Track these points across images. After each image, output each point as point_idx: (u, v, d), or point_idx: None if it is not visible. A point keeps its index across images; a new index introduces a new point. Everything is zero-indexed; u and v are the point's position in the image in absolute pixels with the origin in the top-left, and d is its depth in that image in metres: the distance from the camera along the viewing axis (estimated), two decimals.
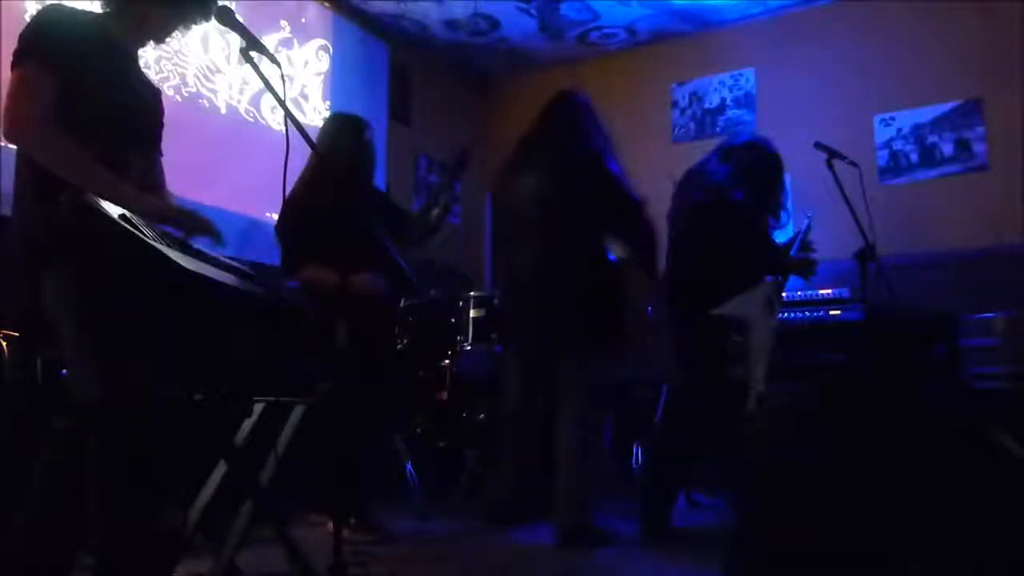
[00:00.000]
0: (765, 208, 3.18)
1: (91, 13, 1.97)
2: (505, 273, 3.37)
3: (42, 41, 1.82)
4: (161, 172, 2.14)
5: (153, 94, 2.09)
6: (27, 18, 3.55)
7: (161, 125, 2.09)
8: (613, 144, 3.21)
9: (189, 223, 1.96)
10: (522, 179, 3.16)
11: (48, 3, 1.96)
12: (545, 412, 3.19)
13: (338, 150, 3.07)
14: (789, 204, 3.32)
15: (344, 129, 3.18)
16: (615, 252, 3.15)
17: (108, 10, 1.97)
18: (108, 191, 1.73)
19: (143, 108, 2.02)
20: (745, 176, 3.09)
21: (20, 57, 1.82)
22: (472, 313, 4.39)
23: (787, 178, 3.29)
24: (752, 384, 2.98)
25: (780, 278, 3.36)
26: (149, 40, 2.03)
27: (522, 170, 3.18)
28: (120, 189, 1.78)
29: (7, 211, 1.93)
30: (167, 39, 2.04)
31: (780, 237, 3.35)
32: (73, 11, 1.93)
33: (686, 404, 3.17)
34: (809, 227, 3.61)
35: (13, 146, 1.88)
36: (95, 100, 1.84)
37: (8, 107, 1.78)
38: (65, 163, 1.76)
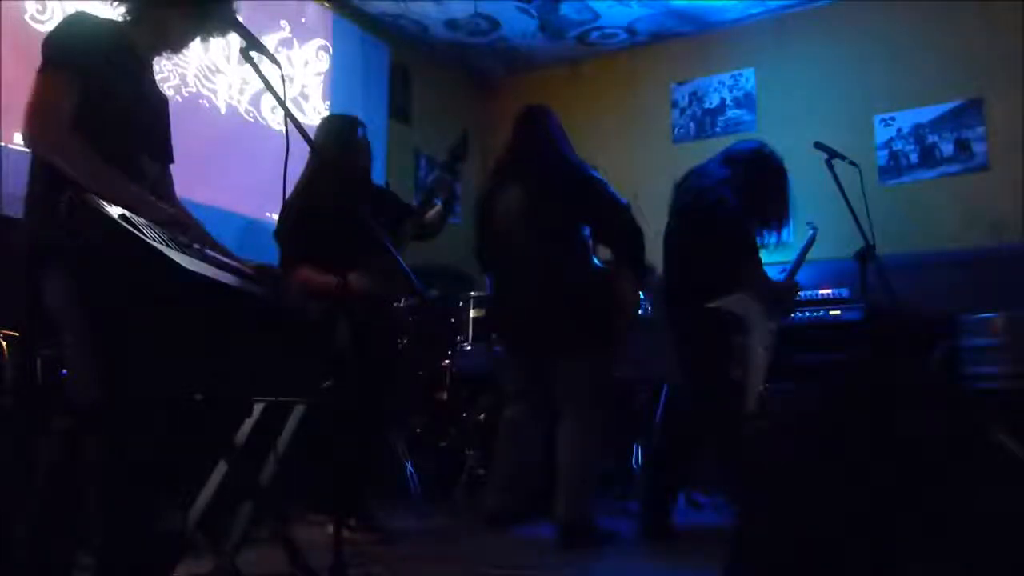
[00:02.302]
0: (761, 218, 3.19)
1: (113, 22, 1.98)
2: (497, 285, 3.42)
3: (67, 49, 1.83)
4: (171, 181, 2.15)
5: (163, 102, 2.10)
6: (28, 19, 3.58)
7: (170, 134, 2.10)
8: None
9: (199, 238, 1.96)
10: (505, 195, 3.20)
11: (73, 11, 1.97)
12: (545, 414, 3.20)
13: (329, 151, 3.07)
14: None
15: (334, 129, 3.19)
16: (602, 256, 3.20)
17: (128, 18, 1.98)
18: (129, 199, 1.73)
19: (155, 116, 2.04)
20: (744, 184, 3.10)
21: (46, 63, 1.82)
22: (472, 313, 4.40)
23: (789, 182, 3.29)
24: (751, 384, 2.98)
25: (792, 280, 3.38)
26: (167, 49, 2.04)
27: (504, 186, 3.22)
28: (141, 198, 1.78)
29: (7, 211, 1.94)
30: (184, 49, 2.05)
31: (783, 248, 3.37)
32: (97, 20, 1.94)
33: (686, 403, 3.18)
34: (813, 238, 3.62)
35: (19, 147, 1.88)
36: (112, 108, 1.85)
37: (32, 113, 1.79)
38: (86, 170, 1.76)
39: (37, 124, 1.79)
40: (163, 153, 2.08)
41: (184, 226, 1.86)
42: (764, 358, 3.04)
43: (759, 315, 3.07)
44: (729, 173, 3.13)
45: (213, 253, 1.89)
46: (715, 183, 3.11)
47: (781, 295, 3.25)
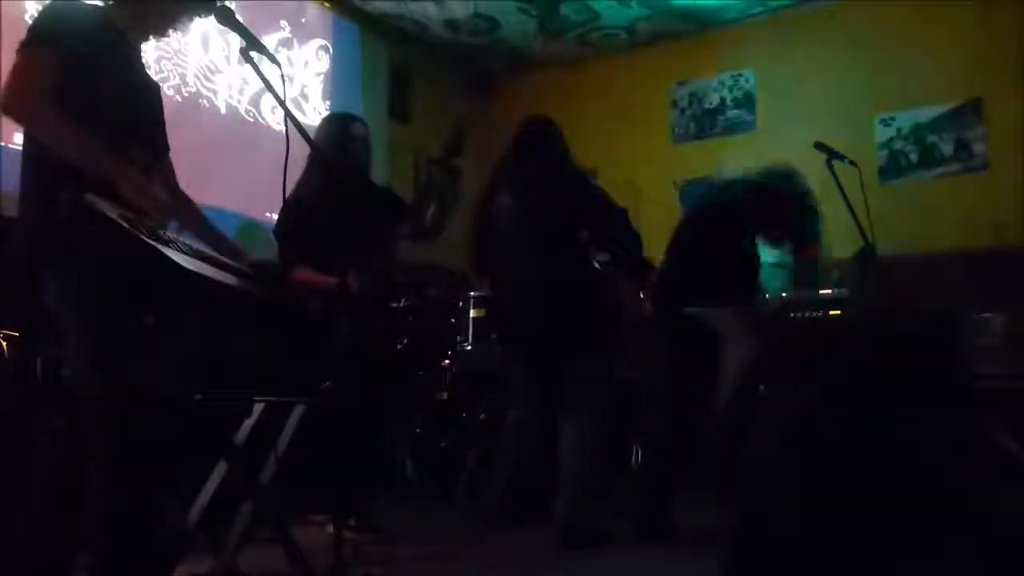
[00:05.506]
0: (774, 239, 3.22)
1: (96, 6, 1.98)
2: (498, 289, 3.42)
3: (48, 29, 1.83)
4: (172, 172, 2.14)
5: (154, 90, 2.09)
6: (28, 19, 3.58)
7: (163, 122, 2.09)
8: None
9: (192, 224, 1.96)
10: (505, 200, 3.22)
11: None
12: (547, 414, 3.20)
13: (325, 149, 3.07)
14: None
15: (330, 128, 3.19)
16: (600, 261, 3.22)
17: (110, 2, 1.97)
18: (110, 174, 1.72)
19: (145, 103, 2.02)
20: (760, 204, 3.12)
21: (26, 44, 1.82)
22: (472, 313, 4.39)
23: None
24: (722, 394, 2.98)
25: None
26: (151, 33, 2.02)
27: (503, 192, 3.24)
28: (122, 174, 1.76)
29: (7, 212, 1.94)
30: (168, 33, 2.03)
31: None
32: (79, 5, 1.94)
33: (686, 404, 3.18)
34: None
35: (19, 147, 1.87)
36: (99, 92, 1.84)
37: (9, 84, 1.78)
38: (62, 140, 1.75)
39: (14, 96, 1.78)
40: (155, 140, 2.05)
41: (170, 209, 1.85)
42: (736, 377, 3.04)
43: (738, 334, 3.06)
44: (748, 193, 3.15)
45: (213, 252, 1.89)
46: (730, 203, 3.15)
47: (769, 322, 3.26)
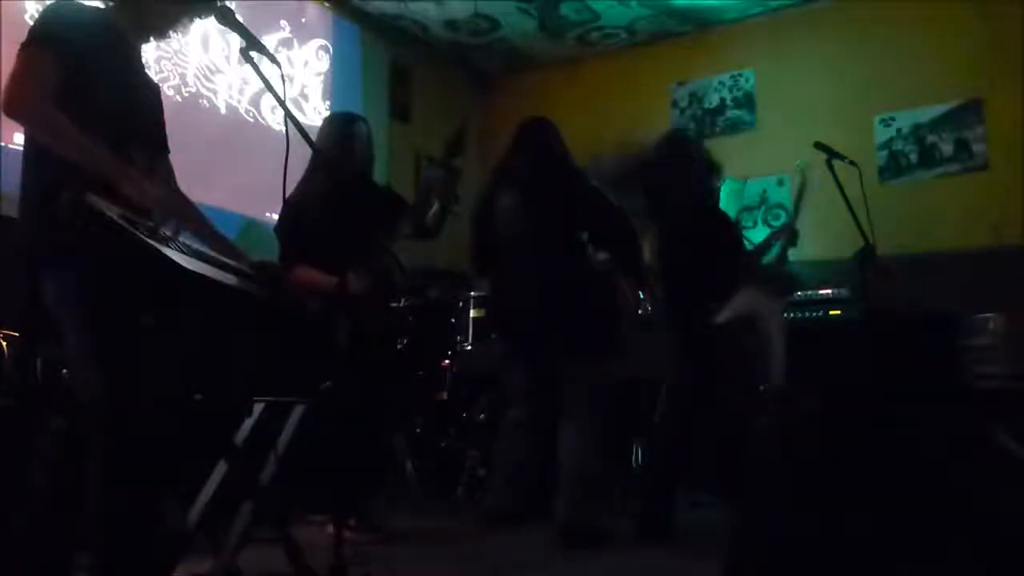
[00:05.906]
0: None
1: (97, 7, 1.99)
2: (498, 289, 3.43)
3: (49, 29, 1.84)
4: (171, 173, 2.14)
5: (154, 91, 2.09)
6: (28, 19, 3.58)
7: (163, 123, 2.09)
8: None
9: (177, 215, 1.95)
10: (505, 200, 3.22)
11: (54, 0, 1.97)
12: (546, 414, 3.21)
13: (328, 148, 3.07)
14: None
15: (332, 128, 3.20)
16: (599, 260, 3.23)
17: (111, 3, 1.98)
18: (111, 173, 1.73)
19: (145, 103, 2.03)
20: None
21: (27, 44, 1.82)
22: (472, 313, 4.40)
23: (786, 179, 3.32)
24: (774, 366, 2.99)
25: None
26: (151, 34, 2.02)
27: (504, 193, 3.24)
28: (124, 173, 1.77)
29: (9, 212, 1.94)
30: (169, 34, 2.03)
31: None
32: (80, 6, 1.95)
33: (686, 403, 3.18)
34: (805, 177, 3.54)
35: (19, 147, 1.88)
36: (99, 92, 1.84)
37: (10, 84, 1.78)
38: (63, 140, 1.76)
39: (14, 96, 1.78)
40: (155, 140, 2.06)
41: (171, 209, 1.84)
42: (782, 339, 3.06)
43: (767, 302, 3.08)
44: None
45: (212, 252, 1.89)
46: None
47: (777, 277, 3.29)
